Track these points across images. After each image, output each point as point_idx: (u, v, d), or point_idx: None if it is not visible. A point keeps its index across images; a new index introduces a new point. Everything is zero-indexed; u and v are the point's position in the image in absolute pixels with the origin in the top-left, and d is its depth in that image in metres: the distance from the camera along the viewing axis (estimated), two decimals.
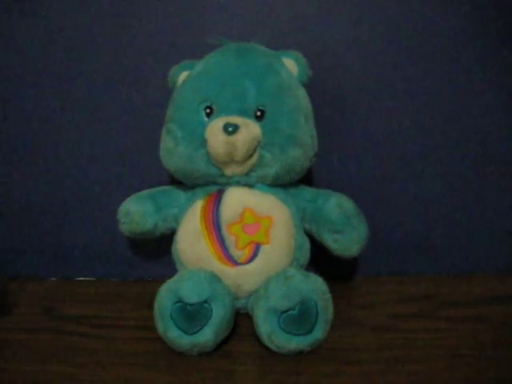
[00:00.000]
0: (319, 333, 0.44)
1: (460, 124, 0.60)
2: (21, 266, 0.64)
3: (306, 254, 0.51)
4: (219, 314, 0.44)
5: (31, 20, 0.60)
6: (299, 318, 0.43)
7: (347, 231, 0.50)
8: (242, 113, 0.48)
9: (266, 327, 0.44)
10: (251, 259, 0.48)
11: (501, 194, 0.61)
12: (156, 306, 0.45)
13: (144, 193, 0.55)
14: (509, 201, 0.61)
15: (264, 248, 0.48)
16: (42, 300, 0.57)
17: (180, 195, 0.54)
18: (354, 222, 0.50)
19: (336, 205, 0.50)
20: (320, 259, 0.55)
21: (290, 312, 0.43)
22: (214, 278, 0.46)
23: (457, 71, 0.59)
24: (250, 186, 0.50)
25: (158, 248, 0.61)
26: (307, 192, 0.53)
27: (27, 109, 0.62)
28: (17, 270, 0.64)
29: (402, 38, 0.58)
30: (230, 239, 0.48)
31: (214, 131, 0.47)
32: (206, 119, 0.49)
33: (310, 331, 0.44)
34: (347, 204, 0.50)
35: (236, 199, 0.49)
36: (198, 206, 0.50)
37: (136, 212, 0.53)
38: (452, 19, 0.58)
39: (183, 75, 0.52)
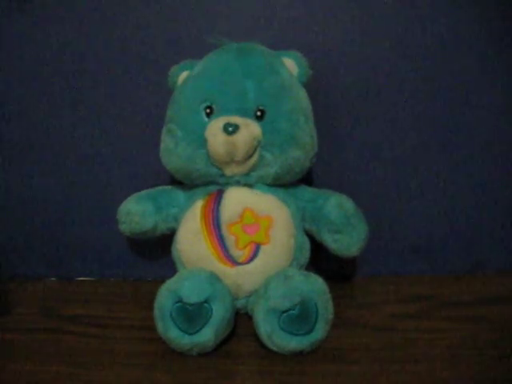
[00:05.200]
0: (319, 333, 0.44)
1: (459, 123, 0.60)
2: (21, 266, 0.64)
3: (305, 254, 0.51)
4: (219, 314, 0.44)
5: (31, 20, 0.60)
6: (299, 317, 0.43)
7: (347, 231, 0.50)
8: (242, 113, 0.48)
9: (266, 327, 0.44)
10: (251, 259, 0.48)
11: (500, 194, 0.61)
12: (156, 306, 0.45)
13: (144, 193, 0.55)
14: (509, 201, 0.61)
15: (264, 248, 0.48)
16: (42, 300, 0.57)
17: (180, 195, 0.54)
18: (354, 222, 0.50)
19: (336, 205, 0.50)
20: (320, 259, 0.55)
21: (290, 312, 0.43)
22: (214, 278, 0.46)
23: (457, 72, 0.59)
24: (250, 185, 0.50)
25: (158, 248, 0.61)
26: (307, 192, 0.53)
27: (26, 108, 0.62)
28: (17, 270, 0.64)
29: (402, 38, 0.58)
30: (230, 239, 0.48)
31: (214, 131, 0.47)
32: (206, 119, 0.49)
33: (310, 331, 0.44)
34: (347, 204, 0.50)
35: (236, 199, 0.49)
36: (198, 206, 0.50)
37: (136, 212, 0.53)
38: (452, 20, 0.58)
39: (183, 75, 0.52)
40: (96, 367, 0.44)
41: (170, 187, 0.55)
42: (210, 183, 0.50)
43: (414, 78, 0.59)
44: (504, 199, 0.61)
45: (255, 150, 0.48)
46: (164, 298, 0.45)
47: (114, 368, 0.44)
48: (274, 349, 0.44)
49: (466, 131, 0.60)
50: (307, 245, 0.52)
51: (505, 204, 0.61)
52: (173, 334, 0.44)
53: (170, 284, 0.46)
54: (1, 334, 0.50)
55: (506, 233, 0.61)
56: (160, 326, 0.45)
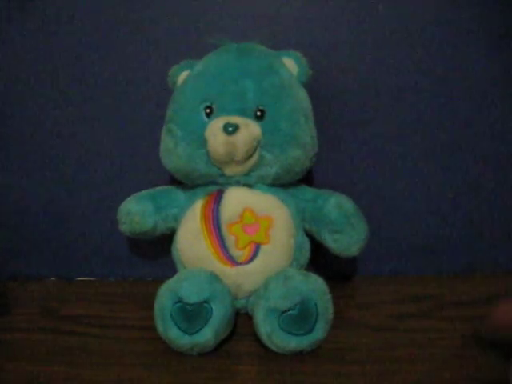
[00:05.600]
0: (319, 333, 0.44)
1: (460, 123, 0.60)
2: (21, 266, 0.64)
3: (305, 254, 0.51)
4: (219, 314, 0.44)
5: (31, 20, 0.60)
6: (299, 317, 0.43)
7: (347, 231, 0.50)
8: (242, 113, 0.48)
9: (266, 327, 0.44)
10: (251, 259, 0.48)
11: (500, 194, 0.61)
12: (156, 306, 0.45)
13: (144, 193, 0.55)
14: (509, 201, 0.61)
15: (264, 248, 0.48)
16: (42, 300, 0.57)
17: (180, 195, 0.54)
18: (354, 222, 0.50)
19: (336, 205, 0.50)
20: (320, 259, 0.55)
21: (290, 312, 0.43)
22: (214, 278, 0.46)
23: (458, 72, 0.59)
24: (249, 185, 0.50)
25: (157, 248, 0.61)
26: (307, 192, 0.53)
27: (26, 109, 0.62)
28: (17, 270, 0.64)
29: (402, 37, 0.58)
30: (229, 239, 0.48)
31: (214, 131, 0.47)
32: (206, 119, 0.49)
33: (310, 331, 0.44)
34: (347, 204, 0.50)
35: (236, 199, 0.49)
36: (198, 206, 0.50)
37: (136, 212, 0.53)
38: (453, 20, 0.58)
39: (183, 75, 0.52)
40: (96, 367, 0.44)
41: (170, 187, 0.55)
42: (210, 183, 0.50)
43: (414, 77, 0.59)
44: (504, 199, 0.61)
45: (255, 150, 0.48)
46: (164, 298, 0.45)
47: (114, 368, 0.44)
48: (274, 349, 0.44)
49: (466, 131, 0.60)
50: (307, 245, 0.52)
51: (504, 204, 0.61)
52: (173, 334, 0.44)
53: (169, 284, 0.46)
54: (1, 334, 0.50)
55: (505, 233, 0.61)
56: (160, 326, 0.45)
